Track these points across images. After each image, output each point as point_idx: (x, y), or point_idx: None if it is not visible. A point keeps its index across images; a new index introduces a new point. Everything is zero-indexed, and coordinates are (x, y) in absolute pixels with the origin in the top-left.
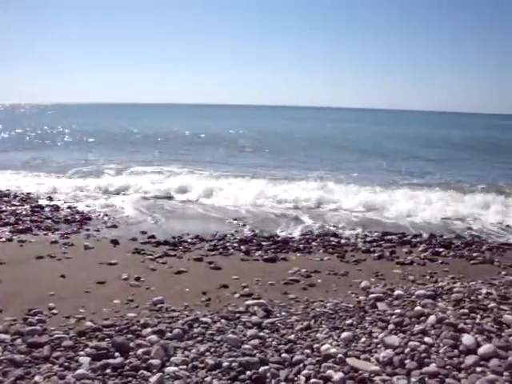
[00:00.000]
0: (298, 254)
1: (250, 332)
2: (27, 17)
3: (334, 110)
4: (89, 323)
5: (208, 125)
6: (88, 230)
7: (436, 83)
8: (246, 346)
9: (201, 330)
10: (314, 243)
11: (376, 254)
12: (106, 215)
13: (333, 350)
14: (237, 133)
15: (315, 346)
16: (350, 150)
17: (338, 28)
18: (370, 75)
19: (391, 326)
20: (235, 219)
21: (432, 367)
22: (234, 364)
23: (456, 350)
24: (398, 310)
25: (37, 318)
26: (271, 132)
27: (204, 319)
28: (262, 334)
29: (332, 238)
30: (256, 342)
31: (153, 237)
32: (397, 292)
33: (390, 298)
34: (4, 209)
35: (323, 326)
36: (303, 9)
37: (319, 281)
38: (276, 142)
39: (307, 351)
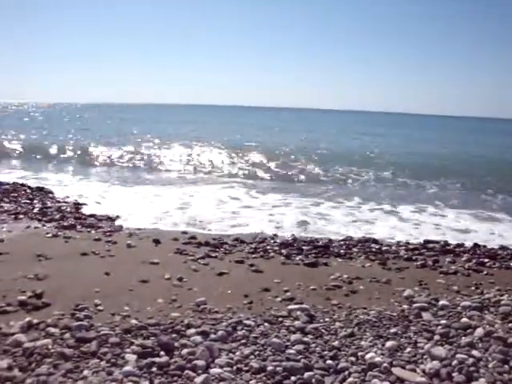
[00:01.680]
0: (339, 260)
1: (293, 337)
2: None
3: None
4: (134, 321)
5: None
6: (131, 228)
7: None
8: (291, 351)
9: (245, 333)
10: (354, 249)
11: (418, 263)
12: (147, 213)
13: (378, 359)
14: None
15: (360, 353)
16: None
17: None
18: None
19: (437, 337)
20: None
21: (482, 382)
22: (278, 368)
23: (506, 366)
24: (443, 321)
25: (84, 313)
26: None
27: (247, 322)
28: (305, 339)
29: (373, 245)
30: (300, 347)
31: (194, 237)
32: (441, 302)
33: (434, 308)
34: (49, 205)
35: (367, 333)
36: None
37: (361, 287)
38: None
39: (352, 359)
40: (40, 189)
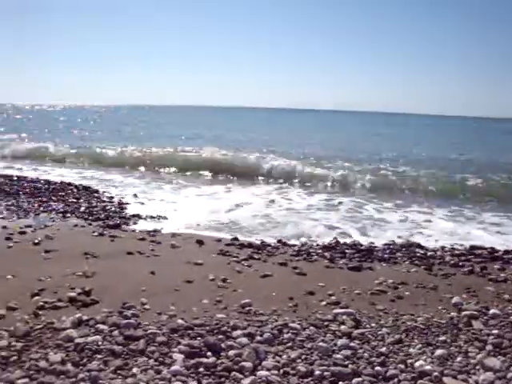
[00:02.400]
0: (384, 264)
1: (340, 342)
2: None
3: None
4: (180, 321)
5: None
6: (173, 228)
7: None
8: (338, 356)
9: (291, 336)
10: (398, 254)
11: (465, 269)
12: (189, 214)
13: (428, 368)
14: None
15: (409, 361)
16: None
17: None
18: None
19: (489, 347)
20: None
21: None
22: (326, 373)
23: None
24: (495, 331)
25: (131, 311)
26: None
27: (293, 325)
28: (352, 344)
29: (417, 250)
30: (347, 352)
31: (236, 239)
32: (492, 311)
33: (485, 317)
34: (95, 204)
35: (415, 340)
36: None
37: (407, 293)
38: None
39: (401, 366)
40: (86, 188)
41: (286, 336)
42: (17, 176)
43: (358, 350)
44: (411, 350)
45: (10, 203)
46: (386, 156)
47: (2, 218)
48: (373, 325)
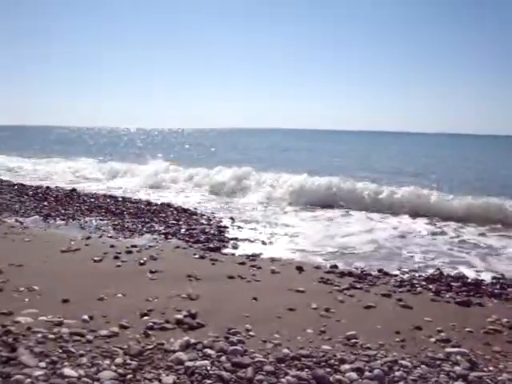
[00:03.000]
0: (495, 301)
1: None
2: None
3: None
4: (286, 350)
5: None
6: (271, 253)
7: None
8: None
9: (402, 374)
10: (510, 289)
11: None
12: (286, 239)
13: None
14: None
15: None
16: None
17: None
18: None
19: None
20: None
21: None
22: None
23: None
24: None
25: (237, 338)
26: None
27: (403, 362)
28: None
29: None
30: None
31: (335, 267)
32: None
33: None
34: (194, 227)
35: None
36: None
37: None
38: None
39: None
40: (185, 210)
41: (397, 374)
42: (121, 197)
43: None
44: None
45: (116, 223)
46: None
47: (110, 236)
48: (491, 368)
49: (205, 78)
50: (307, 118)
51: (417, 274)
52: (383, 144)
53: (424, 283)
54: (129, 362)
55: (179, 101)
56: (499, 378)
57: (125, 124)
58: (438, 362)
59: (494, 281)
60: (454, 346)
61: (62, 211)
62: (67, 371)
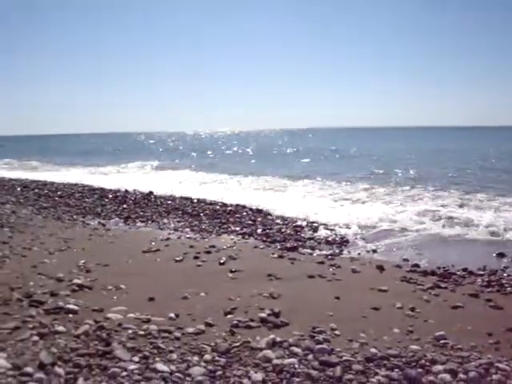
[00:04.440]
0: None
1: None
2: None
3: None
4: (373, 350)
5: None
6: (349, 252)
7: None
8: None
9: (500, 378)
10: None
11: None
12: (363, 239)
13: None
14: None
15: None
16: None
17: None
18: None
19: None
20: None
21: None
22: None
23: None
24: None
25: (322, 336)
26: None
27: (501, 366)
28: None
29: None
30: None
31: (417, 265)
32: None
33: None
34: (270, 227)
35: None
36: None
37: None
38: None
39: None
40: (259, 211)
41: (494, 377)
42: (197, 198)
43: None
44: None
45: (193, 224)
46: None
47: (188, 237)
48: None
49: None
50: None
51: (505, 274)
52: None
53: None
54: (217, 358)
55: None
56: None
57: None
58: None
59: None
60: None
61: (141, 213)
62: (159, 366)
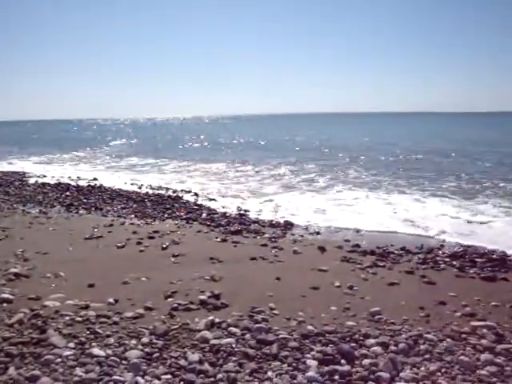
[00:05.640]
0: None
1: (483, 356)
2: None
3: None
4: (310, 327)
5: None
6: (293, 234)
7: None
8: (483, 372)
9: (427, 348)
10: None
11: None
12: (308, 221)
13: None
14: None
15: None
16: None
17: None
18: None
19: None
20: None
21: None
22: None
23: None
24: None
25: (261, 316)
26: None
27: (429, 336)
28: (497, 360)
29: None
30: (493, 368)
31: (358, 246)
32: None
33: None
34: (215, 211)
35: None
36: None
37: None
38: None
39: None
40: (205, 195)
41: (422, 347)
42: (141, 184)
43: (504, 367)
44: None
45: (137, 210)
46: None
47: (132, 223)
48: None
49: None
50: None
51: (440, 252)
52: None
53: (448, 260)
54: (155, 341)
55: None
56: None
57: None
58: (464, 336)
59: None
60: (479, 320)
61: (84, 200)
62: (95, 351)
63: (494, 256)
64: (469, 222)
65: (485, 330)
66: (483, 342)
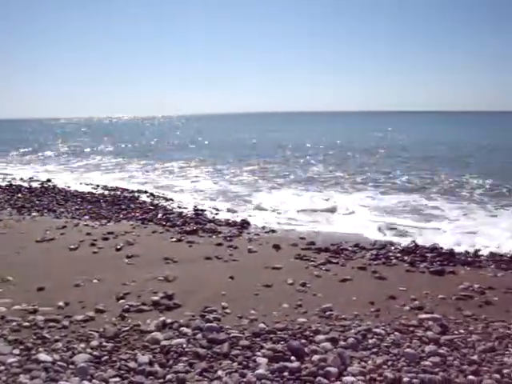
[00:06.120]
0: (468, 268)
1: (428, 348)
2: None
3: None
4: (262, 325)
5: None
6: (249, 233)
7: None
8: (426, 363)
9: (375, 342)
10: (483, 257)
11: None
12: (264, 220)
13: None
14: None
15: (505, 371)
16: None
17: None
18: None
19: None
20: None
21: None
22: (415, 380)
23: None
24: None
25: (213, 315)
26: None
27: (377, 330)
28: (441, 351)
29: (504, 252)
30: (436, 359)
31: (313, 243)
32: None
33: None
34: (171, 211)
35: (510, 349)
36: None
37: (495, 299)
38: None
39: (496, 376)
40: (162, 196)
41: (370, 341)
42: (96, 185)
43: (447, 357)
44: (506, 359)
45: (92, 211)
46: None
47: (86, 225)
48: (461, 331)
49: None
50: None
51: (392, 247)
52: None
53: (399, 255)
54: (104, 344)
55: None
56: (469, 339)
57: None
58: (411, 329)
59: (468, 250)
60: (427, 313)
61: (37, 202)
62: (42, 356)
63: (444, 251)
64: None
65: (431, 322)
66: (429, 333)
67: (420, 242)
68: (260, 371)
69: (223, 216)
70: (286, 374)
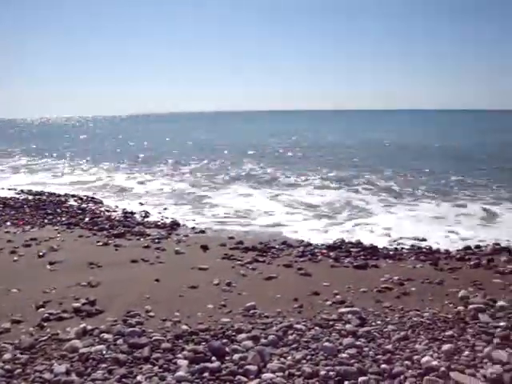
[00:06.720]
0: (389, 261)
1: (345, 341)
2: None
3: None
4: (185, 327)
5: None
6: (178, 235)
7: None
8: (343, 355)
9: (296, 337)
10: (404, 250)
11: (472, 262)
12: (194, 220)
13: (434, 363)
14: None
15: (415, 357)
16: None
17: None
18: None
19: (497, 340)
20: None
21: None
22: (331, 373)
23: None
24: (502, 323)
25: (135, 319)
26: None
27: (298, 326)
28: (358, 343)
29: (423, 245)
30: (353, 351)
31: (241, 243)
32: (500, 303)
33: (492, 310)
34: (99, 215)
35: (421, 336)
36: None
37: (413, 289)
38: None
39: (407, 363)
40: (91, 199)
41: (290, 337)
42: (21, 190)
43: (363, 348)
44: (417, 346)
45: (14, 217)
46: None
47: (7, 231)
48: (378, 322)
49: None
50: None
51: (319, 244)
52: None
53: (325, 251)
54: (19, 356)
55: None
56: (385, 329)
57: None
58: (331, 323)
59: (391, 244)
60: (347, 306)
61: None
62: None
63: (368, 246)
64: None
65: (350, 316)
66: (347, 326)
67: (345, 236)
68: (180, 373)
69: (153, 218)
70: (206, 374)
